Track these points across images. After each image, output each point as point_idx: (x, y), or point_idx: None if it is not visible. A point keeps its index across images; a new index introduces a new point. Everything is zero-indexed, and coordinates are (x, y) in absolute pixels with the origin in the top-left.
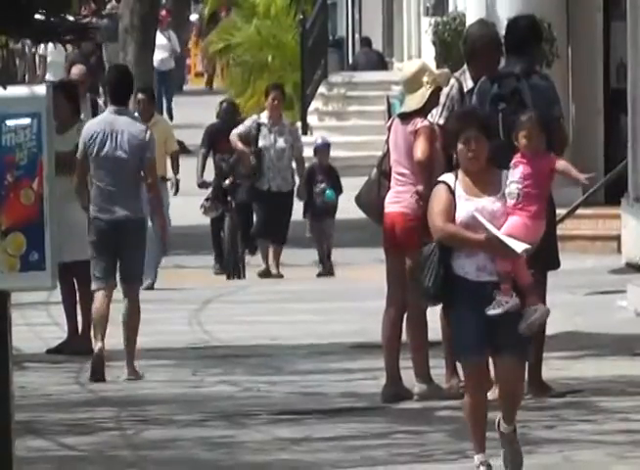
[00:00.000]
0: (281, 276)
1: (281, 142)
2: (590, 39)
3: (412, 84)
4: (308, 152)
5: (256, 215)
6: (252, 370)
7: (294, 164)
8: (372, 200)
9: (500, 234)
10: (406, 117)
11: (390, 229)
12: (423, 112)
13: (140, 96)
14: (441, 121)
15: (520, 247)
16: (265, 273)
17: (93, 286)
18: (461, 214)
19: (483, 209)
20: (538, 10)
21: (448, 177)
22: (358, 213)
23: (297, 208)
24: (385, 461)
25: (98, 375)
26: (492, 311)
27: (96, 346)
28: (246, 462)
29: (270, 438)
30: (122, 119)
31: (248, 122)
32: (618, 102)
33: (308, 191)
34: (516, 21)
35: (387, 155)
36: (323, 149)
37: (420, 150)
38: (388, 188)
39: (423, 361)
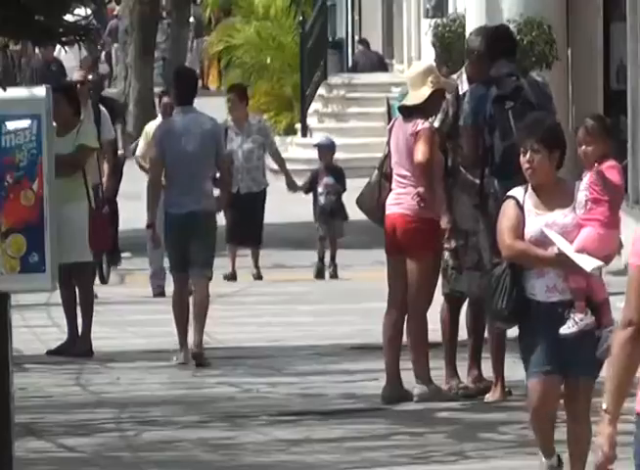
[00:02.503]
0: (260, 278)
1: (249, 142)
2: (590, 41)
3: (416, 82)
4: (308, 153)
5: (226, 220)
6: (253, 371)
7: (270, 164)
8: (373, 202)
9: (570, 251)
10: (407, 116)
11: (391, 231)
12: (424, 111)
13: (165, 100)
14: (436, 124)
15: (590, 265)
16: (232, 277)
17: (173, 278)
18: (530, 230)
19: (554, 223)
20: (538, 11)
21: (517, 191)
22: (358, 215)
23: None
24: (385, 462)
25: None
26: (566, 331)
27: (182, 349)
28: (246, 463)
29: (270, 439)
30: (193, 117)
31: None
32: (618, 103)
33: (313, 193)
34: (499, 28)
35: (387, 157)
36: (326, 148)
37: (420, 152)
38: (389, 190)
39: (423, 363)
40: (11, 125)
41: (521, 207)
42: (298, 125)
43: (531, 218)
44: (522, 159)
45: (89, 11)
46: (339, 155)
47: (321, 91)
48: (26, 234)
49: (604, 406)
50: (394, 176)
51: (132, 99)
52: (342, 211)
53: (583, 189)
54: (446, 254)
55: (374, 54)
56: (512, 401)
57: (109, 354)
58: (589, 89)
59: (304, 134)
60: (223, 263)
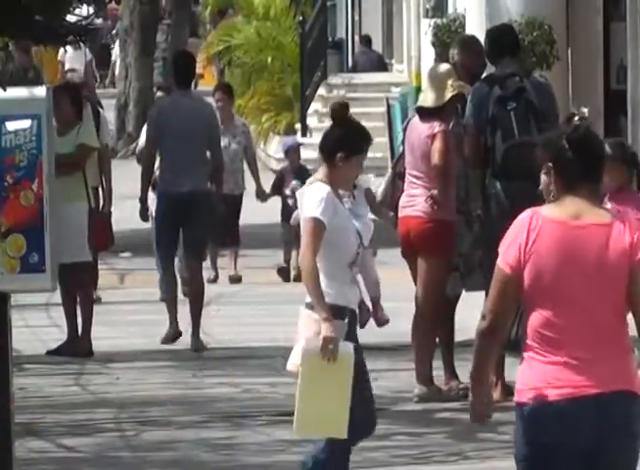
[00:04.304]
0: (240, 278)
1: (233, 144)
2: (590, 41)
3: (437, 84)
4: (308, 154)
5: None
6: (253, 372)
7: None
8: (386, 202)
9: None
10: (424, 118)
11: (406, 234)
12: (442, 114)
13: (159, 94)
14: None
15: None
16: (215, 280)
17: (162, 264)
18: None
19: None
20: (538, 12)
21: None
22: None
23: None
24: (385, 463)
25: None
26: None
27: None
28: (246, 464)
29: (270, 439)
30: (189, 100)
31: None
32: (618, 103)
33: (280, 194)
34: (501, 27)
35: (402, 157)
36: (294, 149)
37: (437, 154)
38: (402, 190)
39: (426, 363)
40: (11, 126)
41: None
42: (298, 125)
43: None
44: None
45: (91, 11)
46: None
47: (321, 91)
48: (26, 234)
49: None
50: (407, 177)
51: (132, 99)
52: None
53: None
54: None
55: (374, 53)
56: (512, 402)
57: (109, 354)
58: (589, 89)
59: (304, 134)
60: (220, 263)
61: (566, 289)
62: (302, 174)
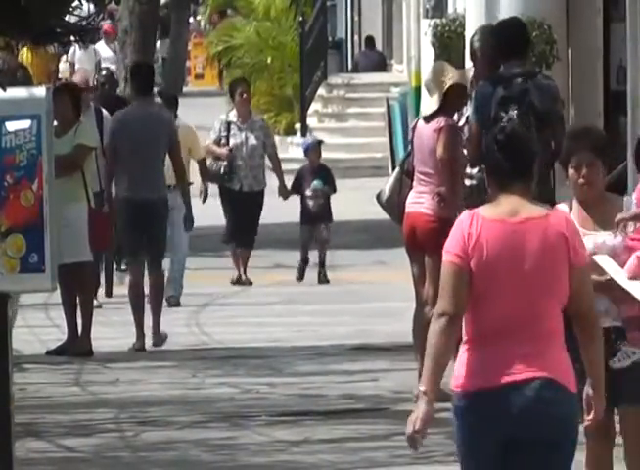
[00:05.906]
0: (250, 283)
1: (252, 139)
2: (590, 41)
3: (431, 87)
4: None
5: (226, 219)
6: (252, 372)
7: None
8: (393, 198)
9: (623, 278)
10: (429, 119)
11: (411, 230)
12: (445, 110)
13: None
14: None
15: None
16: (238, 280)
17: (127, 262)
18: None
19: (603, 244)
20: (538, 12)
21: (561, 208)
22: (358, 216)
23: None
24: (384, 463)
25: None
26: (618, 365)
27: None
28: (246, 464)
29: (270, 439)
30: (149, 108)
31: (216, 125)
32: (618, 104)
33: (300, 195)
34: (510, 23)
35: (410, 154)
36: (314, 148)
37: (443, 147)
38: (410, 187)
39: None
40: (11, 126)
41: None
42: (298, 125)
43: None
44: (572, 173)
45: (91, 12)
46: (339, 154)
47: (321, 91)
48: (26, 234)
49: (422, 389)
50: (416, 174)
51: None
52: (328, 214)
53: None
54: None
55: (375, 54)
56: None
57: (109, 354)
58: (589, 89)
59: (304, 134)
60: (220, 263)
61: (505, 283)
62: (323, 174)
